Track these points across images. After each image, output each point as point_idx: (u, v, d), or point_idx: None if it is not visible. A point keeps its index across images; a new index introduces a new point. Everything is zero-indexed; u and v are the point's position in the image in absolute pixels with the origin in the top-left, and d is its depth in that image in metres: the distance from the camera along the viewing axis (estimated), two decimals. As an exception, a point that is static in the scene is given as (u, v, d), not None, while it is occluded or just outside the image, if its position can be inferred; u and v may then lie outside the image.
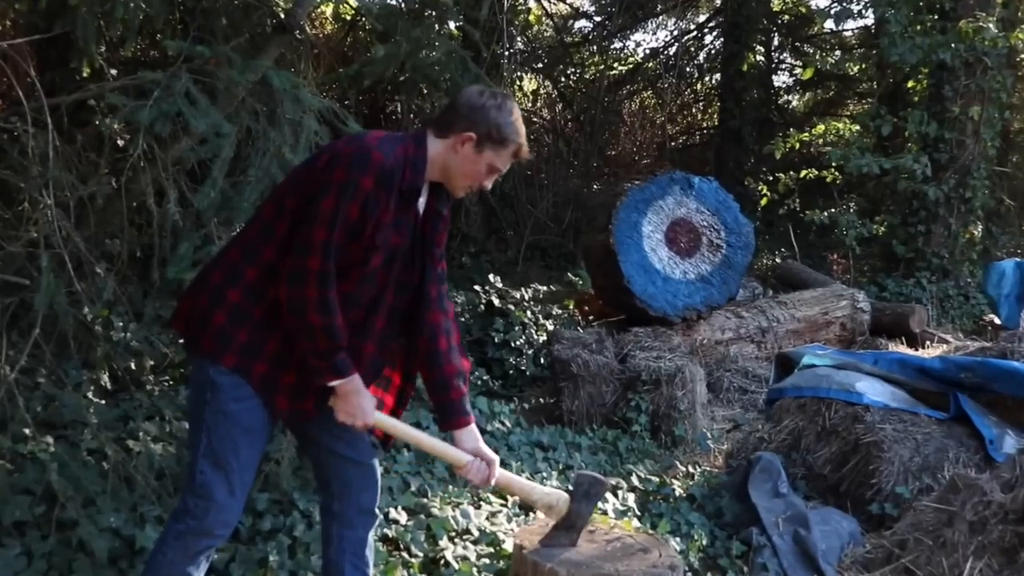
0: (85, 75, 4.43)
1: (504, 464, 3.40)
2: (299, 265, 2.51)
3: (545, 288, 8.60)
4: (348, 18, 8.59)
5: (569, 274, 9.67)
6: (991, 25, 9.14)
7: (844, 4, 12.95)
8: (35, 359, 3.98)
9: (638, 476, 4.92)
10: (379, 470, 2.99)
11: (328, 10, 8.69)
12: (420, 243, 2.75)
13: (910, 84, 10.87)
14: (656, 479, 4.90)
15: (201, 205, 3.86)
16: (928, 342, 8.07)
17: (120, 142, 4.56)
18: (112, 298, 4.17)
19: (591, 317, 7.89)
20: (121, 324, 4.53)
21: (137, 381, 4.62)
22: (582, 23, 15.53)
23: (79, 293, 3.93)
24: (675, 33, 16.24)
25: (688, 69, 16.13)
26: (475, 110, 2.62)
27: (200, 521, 2.62)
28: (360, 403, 2.66)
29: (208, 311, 2.62)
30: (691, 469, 5.15)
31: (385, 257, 2.63)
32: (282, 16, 4.77)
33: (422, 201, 2.73)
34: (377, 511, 3.02)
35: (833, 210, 10.83)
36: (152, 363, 4.75)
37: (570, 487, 3.03)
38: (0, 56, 4.23)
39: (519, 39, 13.11)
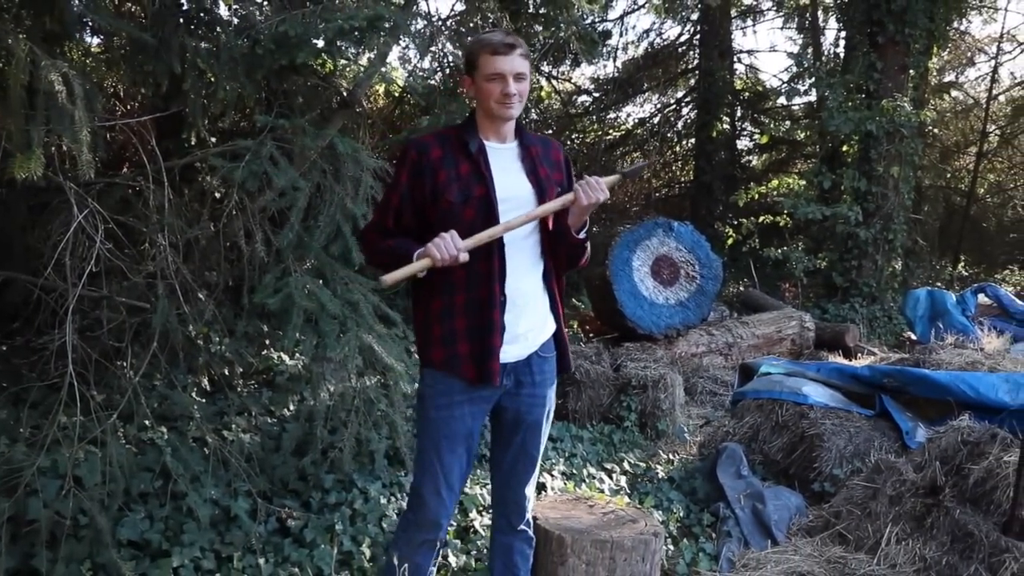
0: (192, 143, 4.51)
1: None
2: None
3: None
4: (396, 95, 8.61)
5: (573, 299, 9.69)
6: (906, 104, 9.48)
7: (792, 84, 13.30)
8: (152, 367, 4.02)
9: (628, 462, 4.94)
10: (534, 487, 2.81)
11: (381, 89, 8.77)
12: (537, 187, 2.55)
13: (845, 148, 10.93)
14: (643, 465, 4.93)
15: (281, 245, 3.89)
16: (860, 354, 8.08)
17: (217, 195, 4.62)
18: (211, 318, 4.21)
19: (592, 334, 7.90)
20: (217, 339, 4.60)
21: (230, 384, 4.66)
22: (583, 98, 15.55)
23: (186, 315, 3.98)
24: (658, 106, 16.31)
25: (669, 135, 16.07)
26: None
27: (415, 515, 2.60)
28: (433, 248, 2.34)
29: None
30: (671, 456, 5.17)
31: (479, 208, 2.46)
32: (345, 94, 4.84)
33: (508, 152, 2.58)
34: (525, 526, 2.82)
35: (785, 248, 10.84)
36: (241, 370, 4.80)
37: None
38: (130, 130, 4.34)
39: (533, 111, 13.24)
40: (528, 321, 2.59)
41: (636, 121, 16.35)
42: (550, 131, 14.16)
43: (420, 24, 5.37)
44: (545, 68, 12.60)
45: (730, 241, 11.77)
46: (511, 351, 2.56)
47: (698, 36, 15.14)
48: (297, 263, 3.89)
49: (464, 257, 2.35)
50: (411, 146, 2.53)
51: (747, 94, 16.12)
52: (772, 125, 14.29)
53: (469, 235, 2.40)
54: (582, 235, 2.59)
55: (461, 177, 2.48)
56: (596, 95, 15.42)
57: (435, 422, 2.55)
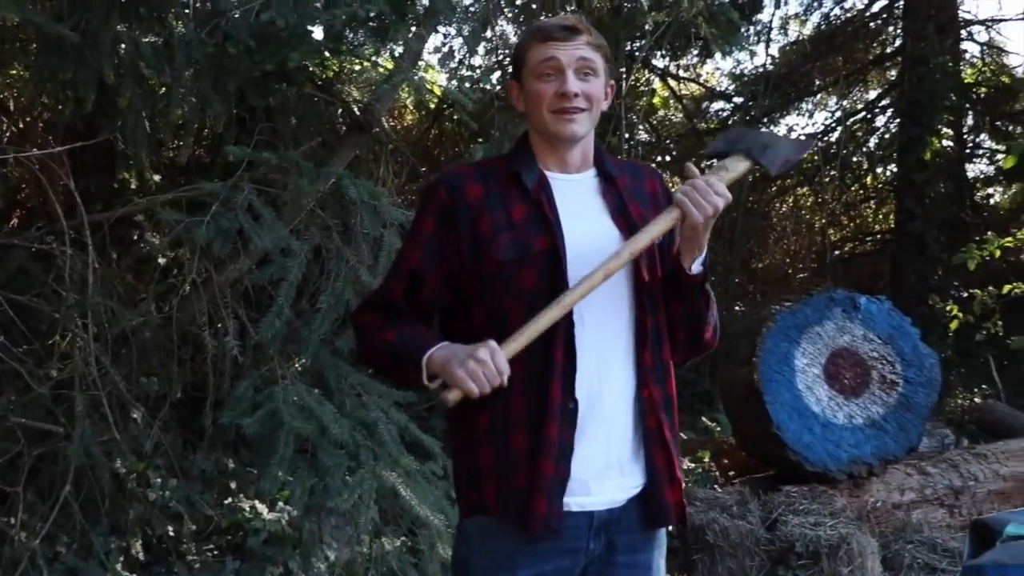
0: (131, 186, 4.72)
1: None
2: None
3: (674, 436, 8.63)
4: (434, 108, 8.59)
5: (704, 418, 9.71)
6: None
7: None
8: (59, 524, 4.15)
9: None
10: None
11: (410, 102, 8.85)
12: (628, 234, 2.58)
13: None
14: None
15: (263, 337, 4.05)
16: None
17: (165, 262, 4.84)
18: (152, 450, 4.38)
19: (731, 472, 7.90)
20: (160, 480, 4.74)
21: (177, 550, 4.76)
22: (719, 105, 15.42)
23: (115, 443, 4.13)
24: (838, 115, 15.91)
25: (856, 159, 15.83)
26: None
27: None
28: (463, 360, 2.39)
29: None
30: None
31: (542, 269, 2.53)
32: (357, 112, 5.01)
33: (581, 186, 2.69)
34: None
35: (1051, 334, 10.70)
36: (195, 528, 4.91)
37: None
38: (35, 166, 4.51)
39: (641, 127, 13.24)
40: (620, 443, 2.62)
41: (811, 138, 16.17)
42: (667, 158, 14.09)
43: (468, 1, 5.60)
44: (659, 62, 12.58)
45: (955, 325, 11.64)
46: (597, 491, 2.58)
47: (901, 2, 14.93)
48: (286, 365, 4.07)
49: (506, 380, 2.40)
50: (439, 183, 2.63)
51: (984, 90, 15.82)
52: (1025, 139, 14.13)
53: (527, 310, 2.46)
54: (697, 267, 2.59)
55: (514, 225, 2.55)
56: (739, 100, 15.33)
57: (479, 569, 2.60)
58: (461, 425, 2.62)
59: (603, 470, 2.58)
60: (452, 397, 2.40)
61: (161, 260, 4.87)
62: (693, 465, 7.82)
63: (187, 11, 4.55)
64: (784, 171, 2.91)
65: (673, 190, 2.56)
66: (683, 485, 2.73)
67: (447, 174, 2.68)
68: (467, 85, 6.27)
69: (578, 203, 2.63)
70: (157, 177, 5.50)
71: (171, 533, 4.78)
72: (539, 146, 2.66)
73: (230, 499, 5.06)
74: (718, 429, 9.27)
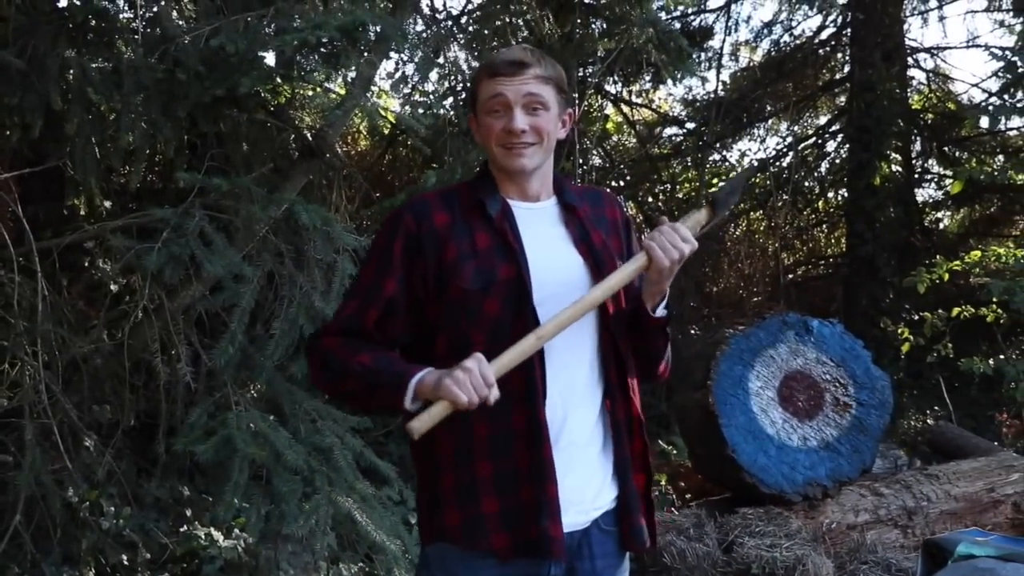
0: (80, 212, 4.70)
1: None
2: None
3: (630, 459, 8.61)
4: (387, 134, 8.59)
5: (660, 441, 9.74)
6: None
7: (1005, 99, 12.78)
8: (8, 555, 4.11)
9: None
10: None
11: (363, 127, 8.86)
12: (591, 261, 2.67)
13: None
14: None
15: (216, 364, 4.04)
16: (1125, 525, 7.99)
17: (117, 289, 4.80)
18: (104, 478, 4.34)
19: (688, 495, 7.91)
20: (114, 509, 4.70)
21: None
22: (672, 131, 15.47)
23: (66, 472, 4.09)
24: (789, 140, 16.06)
25: (807, 184, 15.99)
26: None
27: None
28: (455, 387, 2.35)
29: None
30: None
31: (507, 297, 2.56)
32: (310, 137, 5.03)
33: (543, 214, 2.73)
34: None
35: (997, 358, 10.74)
36: (149, 556, 4.87)
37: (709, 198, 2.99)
38: None
39: (595, 152, 13.33)
40: (585, 470, 2.64)
41: (754, 164, 16.11)
42: (621, 183, 14.10)
43: (420, 27, 5.63)
44: (612, 88, 12.70)
45: (906, 348, 11.71)
46: (564, 516, 2.55)
47: (848, 30, 15.14)
48: (240, 391, 4.05)
49: (496, 394, 2.38)
50: (405, 210, 2.66)
51: (931, 117, 15.98)
52: (971, 164, 14.13)
53: (492, 338, 2.50)
54: (661, 312, 2.68)
55: (479, 253, 2.58)
56: (691, 125, 15.44)
57: None
58: (425, 451, 2.62)
59: (570, 493, 2.58)
60: (440, 410, 2.38)
61: (112, 287, 4.85)
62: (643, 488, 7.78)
63: (136, 36, 4.53)
64: (725, 206, 2.93)
65: (644, 237, 2.59)
66: (655, 506, 2.79)
67: (412, 201, 2.70)
68: (420, 111, 6.28)
69: (541, 231, 2.68)
70: (107, 203, 5.47)
71: (125, 562, 4.74)
72: (499, 175, 2.71)
73: (185, 527, 5.04)
74: (674, 452, 9.29)
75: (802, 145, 16.15)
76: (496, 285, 2.55)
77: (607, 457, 2.70)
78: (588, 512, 2.65)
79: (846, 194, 15.52)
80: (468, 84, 2.86)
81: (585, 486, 2.64)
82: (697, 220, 2.68)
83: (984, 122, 13.03)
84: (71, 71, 4.29)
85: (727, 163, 16.31)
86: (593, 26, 6.12)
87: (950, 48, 16.60)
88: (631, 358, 2.73)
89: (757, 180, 15.52)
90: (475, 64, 5.63)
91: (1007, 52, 12.52)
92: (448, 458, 2.58)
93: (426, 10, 6.61)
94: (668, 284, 2.62)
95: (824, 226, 17.22)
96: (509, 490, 2.53)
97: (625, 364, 2.71)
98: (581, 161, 10.28)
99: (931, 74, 16.39)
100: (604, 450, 2.70)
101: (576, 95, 9.30)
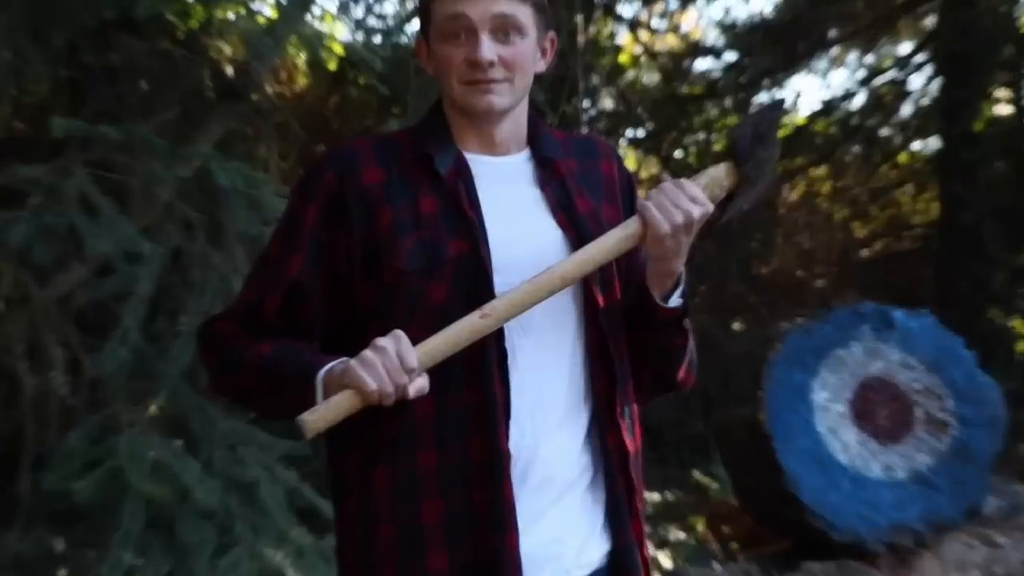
0: None
1: None
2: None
3: (658, 497, 8.58)
4: (334, 71, 8.47)
5: (696, 472, 9.73)
6: None
7: None
8: None
9: None
10: None
11: (302, 61, 8.81)
12: (572, 233, 2.57)
13: None
14: None
15: (102, 369, 4.00)
16: None
17: None
18: None
19: (734, 544, 7.91)
20: None
21: None
22: (706, 63, 15.29)
23: None
24: (861, 75, 15.84)
25: (884, 131, 15.77)
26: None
27: None
28: (363, 371, 2.24)
29: None
30: None
31: (457, 281, 2.48)
32: (231, 74, 4.99)
33: (511, 170, 2.66)
34: None
35: None
36: None
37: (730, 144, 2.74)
38: None
39: (604, 91, 13.22)
40: (565, 516, 2.57)
41: (816, 106, 15.94)
42: (639, 132, 14.03)
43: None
44: (626, 7, 12.64)
45: (1022, 347, 11.75)
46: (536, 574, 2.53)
47: None
48: (134, 408, 4.02)
49: (421, 385, 2.29)
50: (325, 164, 2.58)
51: None
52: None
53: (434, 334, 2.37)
54: (675, 302, 2.57)
55: (422, 223, 2.51)
56: (731, 57, 15.16)
57: None
58: (349, 485, 2.58)
59: (546, 547, 2.53)
60: (343, 403, 2.26)
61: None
62: (683, 536, 7.79)
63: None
64: (751, 152, 2.67)
65: (642, 201, 2.46)
66: (650, 569, 2.70)
67: (335, 151, 2.62)
68: (376, 39, 6.22)
69: (507, 195, 2.60)
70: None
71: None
72: (455, 119, 2.63)
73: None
74: (715, 487, 9.27)
75: (878, 81, 15.72)
76: (443, 265, 2.46)
77: (596, 499, 2.63)
78: (569, 571, 2.58)
79: (937, 144, 15.27)
80: (418, 10, 2.71)
81: (566, 537, 2.57)
82: (715, 177, 2.54)
83: None
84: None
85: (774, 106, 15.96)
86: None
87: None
88: (636, 365, 2.67)
89: (819, 126, 15.32)
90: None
91: None
92: (384, 501, 2.50)
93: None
94: (680, 263, 2.49)
95: (909, 186, 17.00)
96: (462, 541, 2.46)
97: (619, 373, 2.61)
98: (588, 104, 10.18)
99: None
100: (592, 489, 2.63)
101: (580, 17, 9.23)
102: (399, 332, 2.26)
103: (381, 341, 2.24)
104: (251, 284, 2.60)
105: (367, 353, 2.23)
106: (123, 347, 3.99)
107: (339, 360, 2.31)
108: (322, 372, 2.30)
